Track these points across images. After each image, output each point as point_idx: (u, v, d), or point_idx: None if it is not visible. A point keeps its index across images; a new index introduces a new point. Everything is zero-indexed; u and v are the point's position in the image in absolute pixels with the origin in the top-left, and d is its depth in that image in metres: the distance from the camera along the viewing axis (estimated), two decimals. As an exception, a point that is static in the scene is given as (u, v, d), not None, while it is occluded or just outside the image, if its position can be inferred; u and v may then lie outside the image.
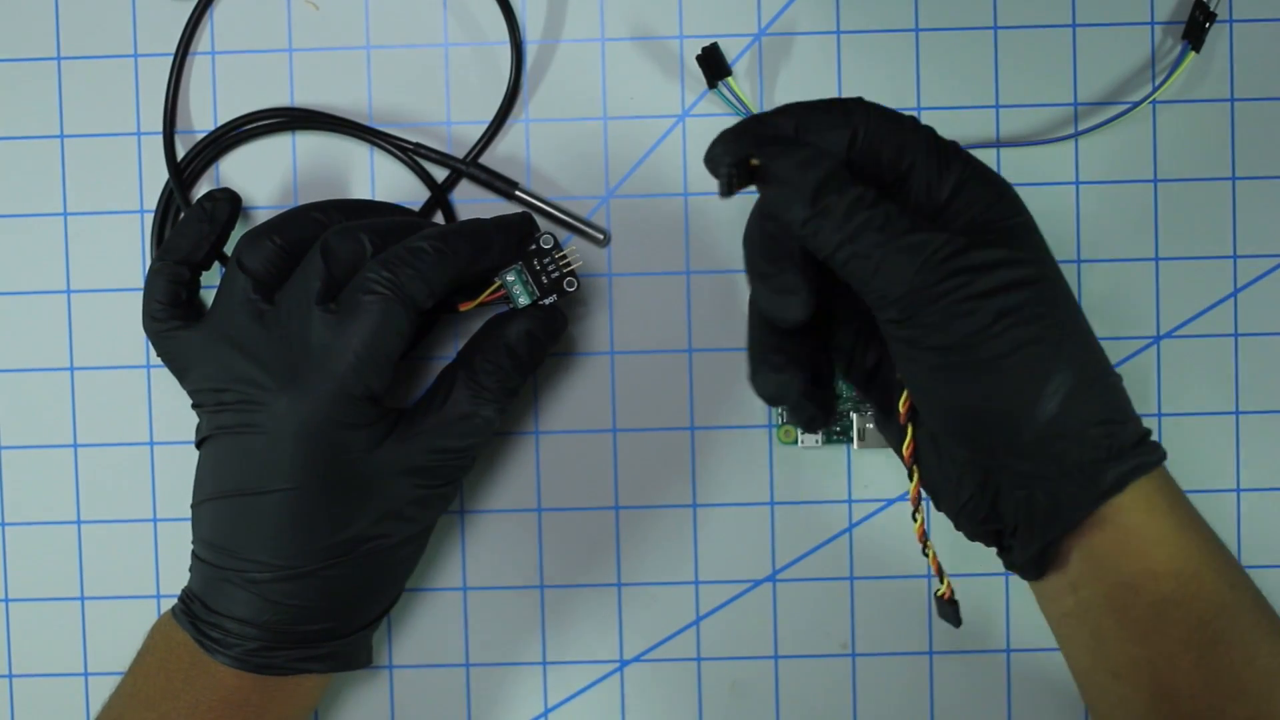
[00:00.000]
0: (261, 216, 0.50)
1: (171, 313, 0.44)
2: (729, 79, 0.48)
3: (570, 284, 0.45)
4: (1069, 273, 0.49)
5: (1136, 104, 0.48)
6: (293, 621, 0.43)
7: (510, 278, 0.45)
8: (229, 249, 0.47)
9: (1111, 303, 0.49)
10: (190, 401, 0.44)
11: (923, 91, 0.49)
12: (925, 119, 0.49)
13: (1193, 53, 0.48)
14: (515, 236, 0.45)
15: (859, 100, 0.39)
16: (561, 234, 0.49)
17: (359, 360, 0.41)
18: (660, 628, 0.50)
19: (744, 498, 0.50)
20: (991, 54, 0.49)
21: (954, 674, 0.50)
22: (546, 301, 0.45)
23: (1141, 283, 0.49)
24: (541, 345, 0.45)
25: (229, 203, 0.46)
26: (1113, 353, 0.49)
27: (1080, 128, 0.49)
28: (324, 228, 0.44)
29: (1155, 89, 0.48)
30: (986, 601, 0.50)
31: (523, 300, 0.45)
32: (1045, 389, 0.37)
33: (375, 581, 0.44)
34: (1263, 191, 0.49)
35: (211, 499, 0.43)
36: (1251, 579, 0.39)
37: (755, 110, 0.49)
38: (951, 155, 0.38)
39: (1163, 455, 0.38)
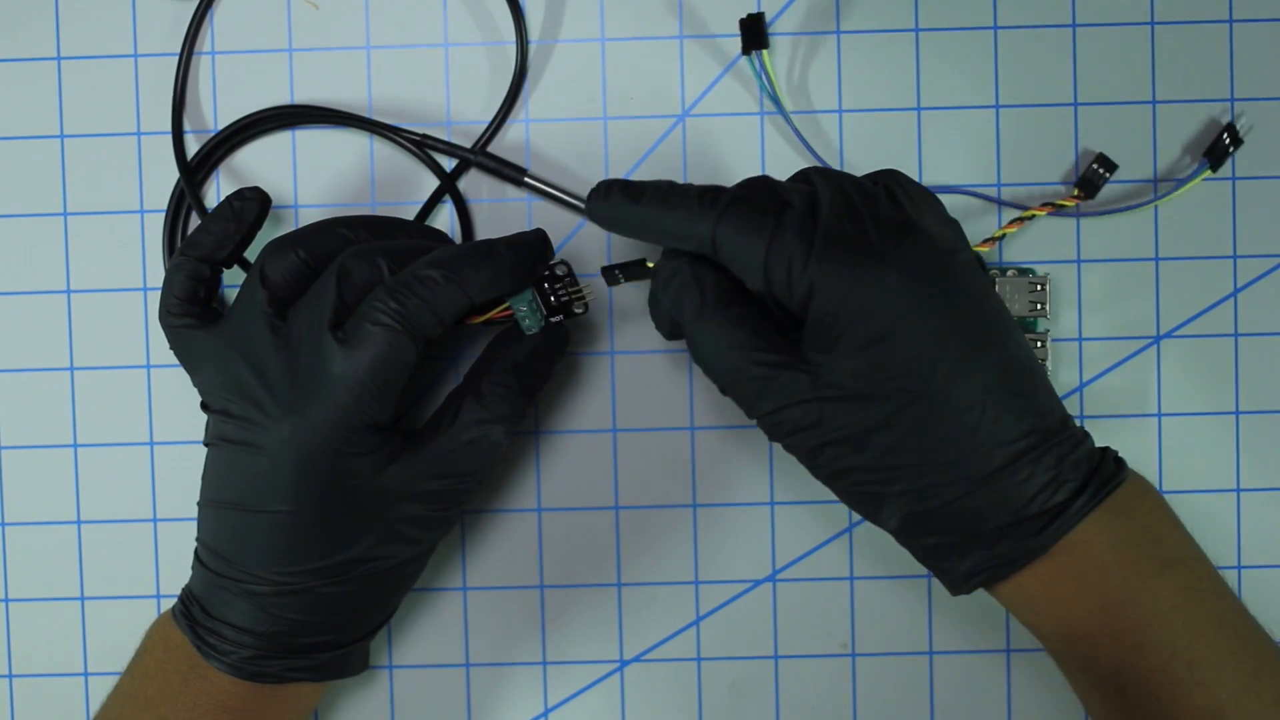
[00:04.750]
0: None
1: (188, 309, 0.44)
2: (764, 51, 0.47)
3: (580, 308, 0.45)
4: (1069, 274, 0.49)
5: (1139, 205, 0.49)
6: (290, 633, 0.43)
7: (522, 307, 0.44)
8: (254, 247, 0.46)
9: (1111, 303, 0.49)
10: (199, 399, 0.44)
11: (923, 91, 0.49)
12: (925, 119, 0.49)
13: (1208, 170, 0.48)
14: (529, 257, 0.44)
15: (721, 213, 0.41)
16: (575, 220, 0.49)
17: (362, 389, 0.41)
18: (660, 628, 0.50)
19: (744, 498, 0.50)
20: (991, 54, 0.49)
21: (954, 674, 0.50)
22: (553, 320, 0.45)
23: (1141, 283, 0.49)
24: (549, 365, 0.45)
25: (258, 203, 0.45)
26: (1113, 353, 0.49)
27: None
28: (350, 245, 0.44)
29: (1158, 197, 0.49)
30: (986, 601, 0.50)
31: (531, 327, 0.44)
32: (880, 512, 0.41)
33: (374, 598, 0.44)
34: (1263, 191, 0.49)
35: (213, 505, 0.43)
36: (1181, 632, 0.39)
37: (780, 91, 0.49)
38: (801, 265, 0.40)
39: (1059, 532, 0.39)
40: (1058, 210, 0.48)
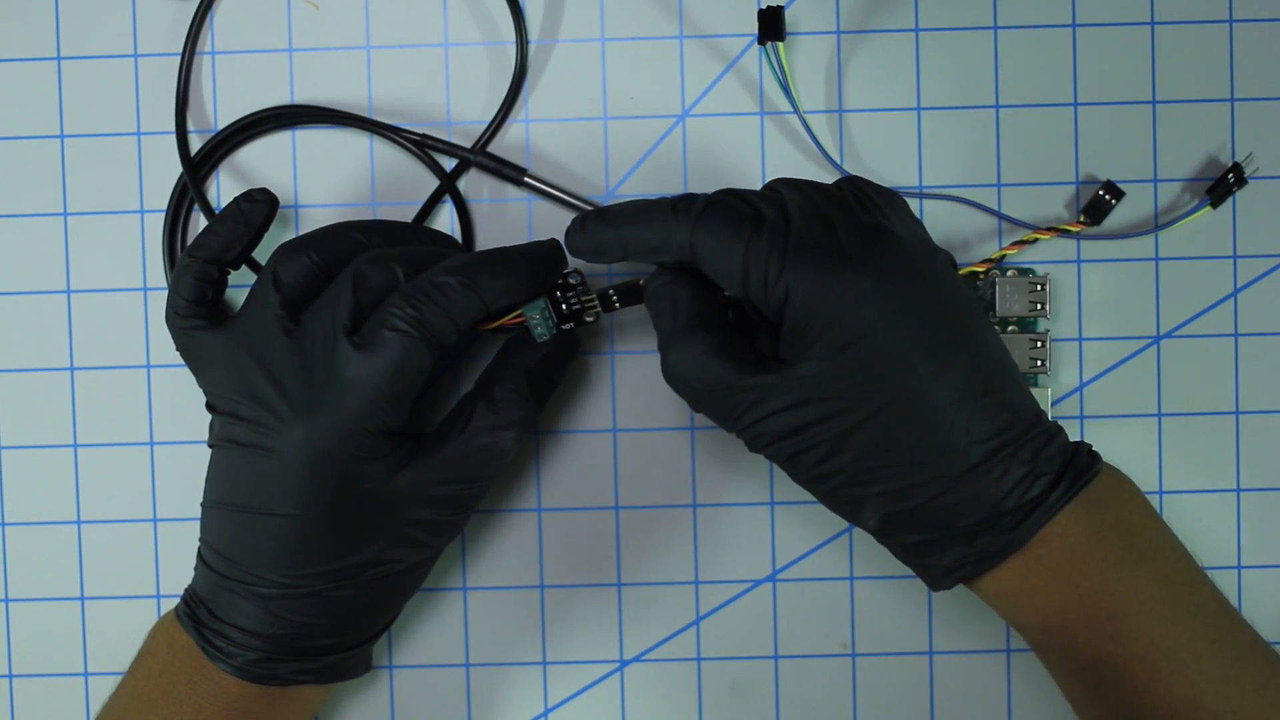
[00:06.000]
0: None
1: (196, 310, 0.44)
2: (780, 44, 0.47)
3: (590, 317, 0.45)
4: (1069, 274, 0.49)
5: (1139, 234, 0.49)
6: (297, 636, 0.43)
7: (534, 315, 0.44)
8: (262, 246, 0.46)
9: (1111, 303, 0.49)
10: (204, 399, 0.44)
11: (923, 91, 0.49)
12: (925, 119, 0.49)
13: (1208, 208, 0.48)
14: (544, 265, 0.44)
15: (698, 219, 0.41)
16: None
17: (378, 395, 0.41)
18: (660, 628, 0.50)
19: (744, 498, 0.50)
20: (991, 54, 0.49)
21: (954, 674, 0.50)
22: (565, 328, 0.45)
23: (1141, 283, 0.49)
24: (559, 372, 0.45)
25: (267, 205, 0.45)
26: (1113, 353, 0.49)
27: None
28: (363, 249, 0.44)
29: (1159, 228, 0.49)
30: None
31: (542, 334, 0.45)
32: (860, 513, 0.41)
33: (381, 601, 0.45)
34: (1263, 191, 0.49)
35: (219, 507, 0.43)
36: (1158, 621, 0.40)
37: (792, 84, 0.49)
38: (778, 270, 0.40)
39: (1029, 531, 0.40)
40: (1061, 234, 0.48)
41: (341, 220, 0.46)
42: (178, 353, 0.44)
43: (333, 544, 0.42)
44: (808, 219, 0.40)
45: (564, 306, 0.45)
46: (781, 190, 0.42)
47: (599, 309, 0.45)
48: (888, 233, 0.41)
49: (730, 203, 0.41)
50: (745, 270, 0.40)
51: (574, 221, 0.43)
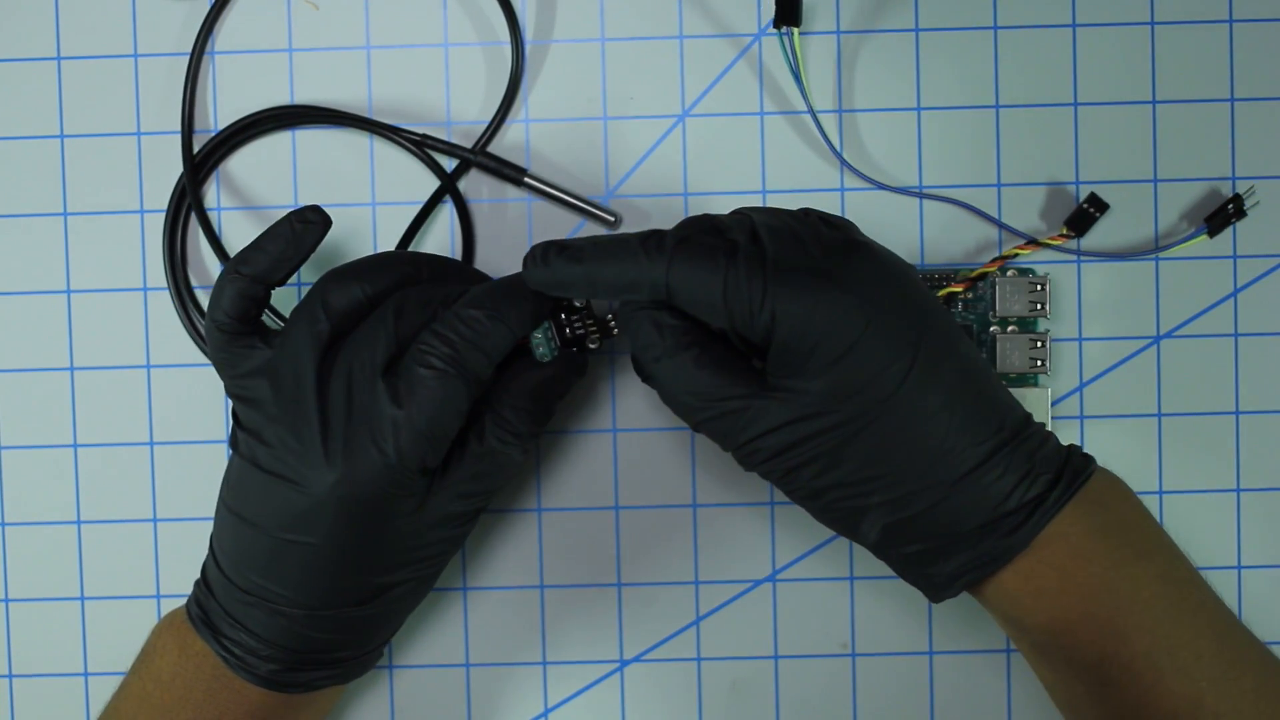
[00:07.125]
0: (267, 215, 0.50)
1: (239, 327, 0.43)
2: (795, 30, 0.47)
3: (594, 343, 0.45)
4: (1070, 274, 0.49)
5: (1139, 257, 0.49)
6: (317, 650, 0.43)
7: (538, 335, 0.44)
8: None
9: (1111, 303, 0.49)
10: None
11: (923, 91, 0.49)
12: (925, 119, 0.49)
13: (1205, 235, 0.48)
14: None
15: (674, 253, 0.41)
16: (575, 221, 0.49)
17: (418, 437, 0.40)
18: (660, 628, 0.50)
19: (744, 498, 0.50)
20: (992, 54, 0.49)
21: (954, 674, 0.50)
22: (569, 351, 0.45)
23: (1141, 283, 0.49)
24: (566, 388, 0.45)
25: (320, 227, 0.43)
26: (1113, 353, 0.49)
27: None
28: (411, 281, 0.43)
29: (1160, 249, 0.49)
30: (986, 601, 0.50)
31: (544, 355, 0.45)
32: (860, 525, 0.41)
33: (397, 612, 0.45)
34: (1263, 191, 0.49)
35: (238, 518, 0.42)
36: (1161, 619, 0.40)
37: (803, 71, 0.48)
38: (760, 296, 0.40)
39: (1029, 536, 0.40)
40: (1043, 248, 0.48)
41: (387, 250, 0.46)
42: (210, 358, 0.44)
43: (357, 573, 0.42)
44: (780, 240, 0.40)
45: (568, 330, 0.45)
46: (747, 213, 0.42)
47: (600, 335, 0.45)
48: (859, 245, 0.41)
49: (700, 237, 0.41)
50: (727, 301, 0.40)
51: (532, 252, 0.42)
